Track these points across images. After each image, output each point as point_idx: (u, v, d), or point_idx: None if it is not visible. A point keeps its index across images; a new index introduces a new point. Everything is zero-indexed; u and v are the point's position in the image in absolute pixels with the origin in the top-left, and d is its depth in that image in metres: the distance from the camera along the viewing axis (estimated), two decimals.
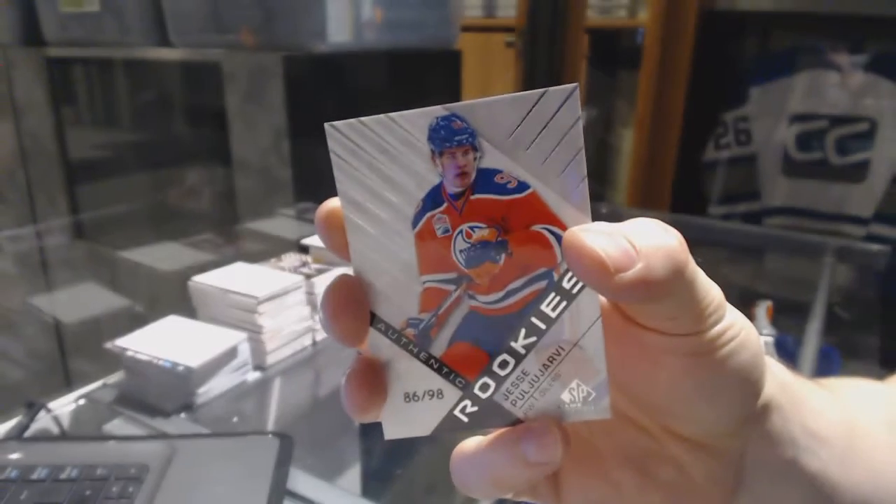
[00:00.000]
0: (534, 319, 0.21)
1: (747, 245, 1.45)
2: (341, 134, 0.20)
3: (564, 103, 0.19)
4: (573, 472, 0.25)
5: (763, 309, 1.02)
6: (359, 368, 0.22)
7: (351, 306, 0.21)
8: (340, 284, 0.21)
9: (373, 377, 0.22)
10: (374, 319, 0.22)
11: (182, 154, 1.62)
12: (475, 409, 0.22)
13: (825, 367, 0.94)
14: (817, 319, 0.98)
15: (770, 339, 0.94)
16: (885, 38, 1.69)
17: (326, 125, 0.20)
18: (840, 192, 1.75)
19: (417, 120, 0.20)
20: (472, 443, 0.23)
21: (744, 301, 1.02)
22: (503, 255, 0.21)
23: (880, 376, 0.33)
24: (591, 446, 0.25)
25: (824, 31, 1.75)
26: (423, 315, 0.22)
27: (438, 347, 0.22)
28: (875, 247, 1.27)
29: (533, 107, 0.19)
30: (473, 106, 0.19)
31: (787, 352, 0.94)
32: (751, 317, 0.70)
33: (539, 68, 1.49)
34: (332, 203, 0.21)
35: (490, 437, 0.22)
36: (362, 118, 0.20)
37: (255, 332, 0.84)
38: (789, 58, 1.79)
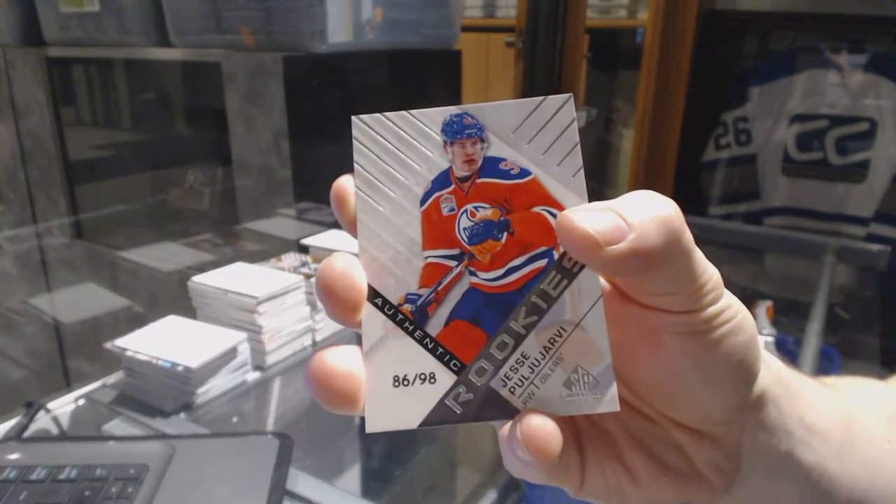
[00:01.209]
0: (534, 298, 0.21)
1: (747, 245, 1.45)
2: (366, 125, 0.22)
3: (561, 108, 0.22)
4: (590, 452, 0.24)
5: (763, 309, 1.02)
6: (336, 347, 0.21)
7: (347, 280, 0.21)
8: (338, 257, 0.21)
9: (350, 359, 0.21)
10: (371, 295, 0.22)
11: (182, 154, 1.62)
12: (469, 396, 0.21)
13: (825, 367, 0.94)
14: (817, 319, 0.98)
15: (770, 339, 0.94)
16: (885, 38, 1.69)
17: (353, 118, 0.22)
18: (840, 192, 1.75)
19: (434, 116, 0.22)
20: (505, 429, 0.22)
21: (744, 301, 1.02)
22: (505, 234, 0.22)
23: (880, 376, 0.33)
24: (601, 428, 0.25)
25: (824, 31, 1.75)
26: (422, 290, 0.22)
27: (435, 325, 0.22)
28: (875, 247, 1.27)
29: (534, 109, 0.22)
30: (483, 107, 0.22)
31: (788, 352, 0.94)
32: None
33: (539, 68, 1.49)
34: (347, 178, 0.22)
35: (503, 427, 0.21)
36: (386, 113, 0.22)
37: (254, 332, 0.84)
38: (789, 58, 1.79)
